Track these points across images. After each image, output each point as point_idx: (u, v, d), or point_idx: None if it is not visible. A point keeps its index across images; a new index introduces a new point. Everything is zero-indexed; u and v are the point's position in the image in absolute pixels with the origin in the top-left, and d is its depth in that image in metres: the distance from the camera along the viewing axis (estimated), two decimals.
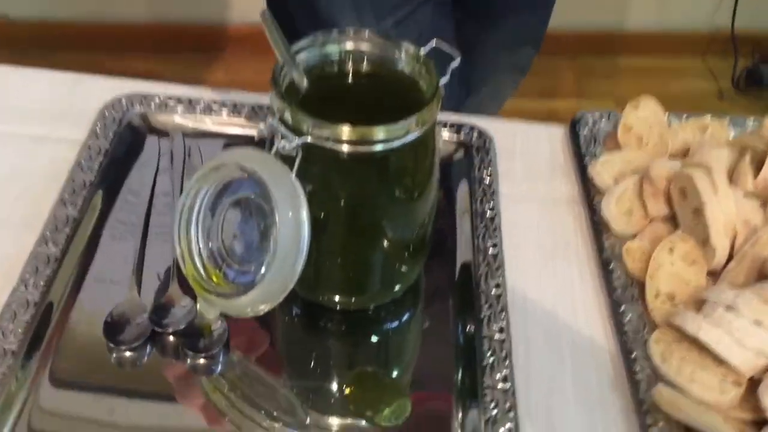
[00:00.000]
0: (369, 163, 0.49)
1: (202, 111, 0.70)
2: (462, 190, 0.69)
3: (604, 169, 0.68)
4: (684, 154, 0.72)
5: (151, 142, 0.69)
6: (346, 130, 0.46)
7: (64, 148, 0.67)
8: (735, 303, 0.54)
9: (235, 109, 0.71)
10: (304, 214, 0.47)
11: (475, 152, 0.70)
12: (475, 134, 0.72)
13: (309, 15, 0.80)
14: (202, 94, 0.73)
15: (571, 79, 2.22)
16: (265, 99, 0.71)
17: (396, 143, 0.48)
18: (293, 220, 0.47)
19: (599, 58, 2.28)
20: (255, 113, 0.71)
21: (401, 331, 0.61)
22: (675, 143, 0.72)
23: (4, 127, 0.70)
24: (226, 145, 0.70)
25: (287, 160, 0.47)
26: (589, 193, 0.68)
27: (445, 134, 0.72)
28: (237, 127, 0.71)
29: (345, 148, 0.47)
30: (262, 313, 0.49)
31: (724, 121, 0.74)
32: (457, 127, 0.72)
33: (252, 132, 0.69)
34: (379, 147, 0.48)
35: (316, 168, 0.49)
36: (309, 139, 0.47)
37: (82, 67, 0.77)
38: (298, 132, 0.47)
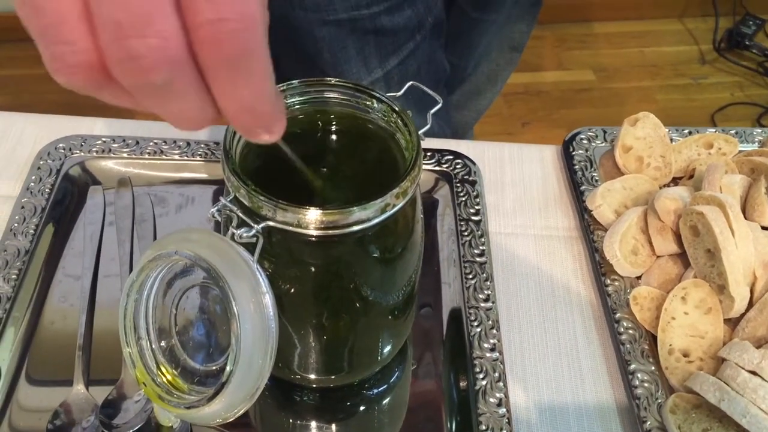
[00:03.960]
0: (342, 242, 0.42)
1: (151, 153, 0.62)
2: (446, 230, 0.61)
3: (604, 200, 0.61)
4: (689, 174, 0.65)
5: (94, 194, 0.61)
6: (314, 215, 0.39)
7: None
8: (761, 367, 0.48)
9: (189, 148, 0.63)
10: (269, 304, 0.40)
11: (459, 185, 0.63)
12: (459, 164, 0.64)
13: (313, 66, 0.75)
14: (152, 129, 0.65)
15: (546, 48, 2.14)
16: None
17: (375, 221, 0.41)
18: (257, 314, 0.40)
19: (573, 25, 2.19)
20: (211, 152, 0.63)
21: (389, 396, 0.54)
22: (678, 163, 0.66)
23: None
24: (180, 189, 0.62)
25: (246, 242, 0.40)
26: (588, 226, 0.62)
27: (424, 165, 0.64)
28: (191, 171, 0.63)
29: (314, 232, 0.40)
30: (232, 419, 0.42)
31: (730, 136, 0.67)
32: (438, 157, 0.65)
33: (208, 175, 0.62)
34: (354, 228, 0.40)
35: (280, 248, 0.42)
36: (271, 223, 0.40)
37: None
38: (257, 215, 0.40)
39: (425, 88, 0.48)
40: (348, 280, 0.45)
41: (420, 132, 0.44)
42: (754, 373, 0.48)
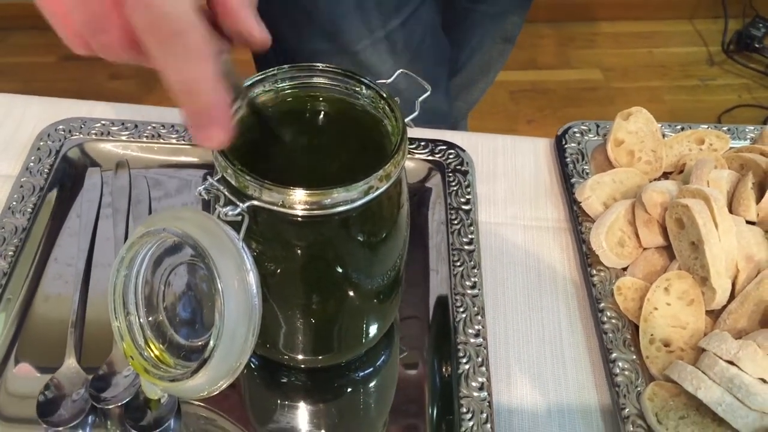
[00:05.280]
0: (327, 223, 0.43)
1: (149, 137, 0.63)
2: (437, 219, 0.62)
3: (593, 193, 0.62)
4: (680, 169, 0.66)
5: (92, 175, 0.62)
6: (298, 195, 0.40)
7: None
8: (738, 357, 0.49)
9: (186, 132, 0.64)
10: (253, 282, 0.41)
11: (451, 175, 0.64)
12: (452, 154, 0.65)
13: (310, 24, 0.73)
14: (150, 113, 0.66)
15: (552, 47, 2.14)
16: None
17: (358, 203, 0.42)
18: (241, 291, 0.41)
19: (582, 24, 2.20)
20: None
21: (375, 379, 0.55)
22: (669, 158, 0.67)
23: None
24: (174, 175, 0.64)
25: (233, 221, 0.41)
26: (577, 218, 0.62)
27: (418, 154, 0.65)
28: (188, 155, 0.64)
29: (299, 212, 0.41)
30: (215, 393, 0.44)
31: (722, 133, 0.68)
32: (431, 147, 0.66)
33: (203, 159, 0.64)
34: (338, 209, 0.41)
35: (266, 228, 0.43)
36: (256, 202, 0.41)
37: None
38: (243, 194, 0.41)
39: (415, 76, 0.48)
40: (332, 261, 0.46)
41: (408, 119, 0.45)
42: (731, 363, 0.49)
